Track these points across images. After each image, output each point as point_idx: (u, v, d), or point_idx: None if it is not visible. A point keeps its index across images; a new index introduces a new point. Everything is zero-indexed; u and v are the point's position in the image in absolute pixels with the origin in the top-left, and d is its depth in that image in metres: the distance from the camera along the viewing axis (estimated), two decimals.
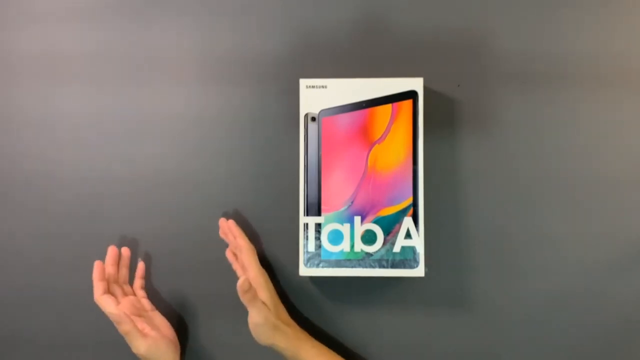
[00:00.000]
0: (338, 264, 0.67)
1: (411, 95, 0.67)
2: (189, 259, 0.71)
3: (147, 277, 0.72)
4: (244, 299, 0.63)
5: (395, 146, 0.67)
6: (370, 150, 0.67)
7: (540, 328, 0.71)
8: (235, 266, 0.69)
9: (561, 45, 0.71)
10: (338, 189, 0.67)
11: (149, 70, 0.71)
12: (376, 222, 0.67)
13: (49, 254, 0.72)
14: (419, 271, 0.67)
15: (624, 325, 0.70)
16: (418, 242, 0.67)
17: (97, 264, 0.66)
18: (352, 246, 0.67)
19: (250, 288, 0.63)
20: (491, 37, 0.71)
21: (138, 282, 0.70)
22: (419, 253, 0.67)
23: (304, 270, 0.67)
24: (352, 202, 0.67)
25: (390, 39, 0.71)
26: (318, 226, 0.67)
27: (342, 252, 0.67)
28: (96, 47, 0.72)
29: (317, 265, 0.67)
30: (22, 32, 0.72)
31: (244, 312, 0.70)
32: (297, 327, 0.67)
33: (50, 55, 0.72)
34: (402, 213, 0.67)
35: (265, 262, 0.71)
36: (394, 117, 0.67)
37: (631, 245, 0.70)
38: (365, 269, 0.67)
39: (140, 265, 0.70)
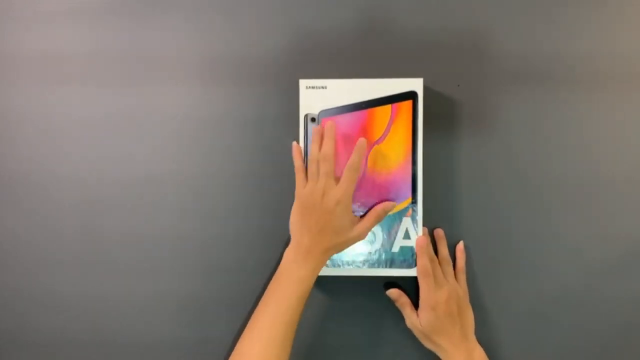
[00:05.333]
0: (338, 263, 0.67)
1: (411, 95, 0.67)
2: (189, 259, 0.72)
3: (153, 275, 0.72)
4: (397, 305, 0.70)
5: (395, 147, 0.67)
6: (369, 150, 0.67)
7: (540, 328, 0.71)
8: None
9: (561, 45, 0.70)
10: None
11: (149, 70, 0.71)
12: None
13: (49, 254, 0.72)
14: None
15: (624, 325, 0.71)
16: None
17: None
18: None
19: (399, 297, 0.69)
20: (491, 37, 0.70)
21: None
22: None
23: None
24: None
25: (390, 39, 0.71)
26: None
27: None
28: (96, 47, 0.72)
29: None
30: (22, 32, 0.72)
31: (242, 311, 0.70)
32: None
33: (50, 55, 0.72)
34: (401, 213, 0.67)
35: (266, 262, 0.71)
36: (393, 118, 0.67)
37: (631, 245, 0.70)
38: (365, 269, 0.67)
39: None
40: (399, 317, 0.71)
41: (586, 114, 0.70)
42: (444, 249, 0.70)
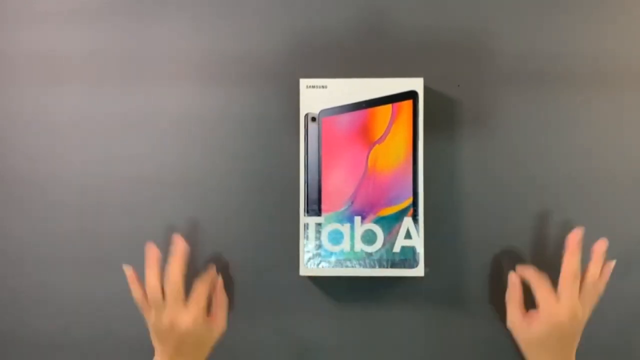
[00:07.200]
0: (338, 263, 0.67)
1: (411, 95, 0.67)
2: (189, 258, 0.71)
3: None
4: None
5: (396, 146, 0.67)
6: (370, 150, 0.67)
7: None
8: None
9: (561, 45, 0.71)
10: (338, 189, 0.67)
11: (149, 70, 0.71)
12: (376, 222, 0.67)
13: (49, 254, 0.72)
14: (419, 271, 0.67)
15: (624, 325, 0.71)
16: (418, 242, 0.67)
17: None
18: (352, 246, 0.67)
19: (517, 288, 0.65)
20: (491, 37, 0.71)
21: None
22: (418, 253, 0.67)
23: (304, 270, 0.67)
24: (352, 202, 0.67)
25: (390, 39, 0.71)
26: (318, 226, 0.67)
27: (342, 252, 0.67)
28: (96, 47, 0.72)
29: (317, 265, 0.67)
30: (22, 32, 0.72)
31: (241, 311, 0.70)
32: None
33: (50, 55, 0.72)
34: (402, 213, 0.67)
35: (266, 262, 0.71)
36: (394, 117, 0.67)
37: (631, 245, 0.70)
38: (365, 269, 0.67)
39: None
40: (399, 317, 0.71)
41: (586, 114, 0.71)
42: (596, 269, 0.65)
